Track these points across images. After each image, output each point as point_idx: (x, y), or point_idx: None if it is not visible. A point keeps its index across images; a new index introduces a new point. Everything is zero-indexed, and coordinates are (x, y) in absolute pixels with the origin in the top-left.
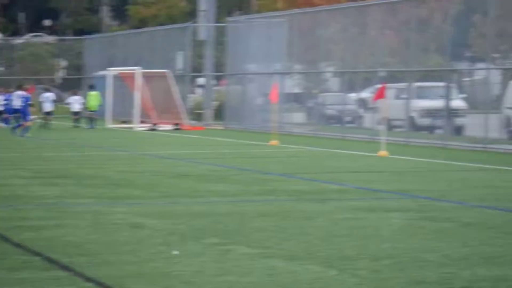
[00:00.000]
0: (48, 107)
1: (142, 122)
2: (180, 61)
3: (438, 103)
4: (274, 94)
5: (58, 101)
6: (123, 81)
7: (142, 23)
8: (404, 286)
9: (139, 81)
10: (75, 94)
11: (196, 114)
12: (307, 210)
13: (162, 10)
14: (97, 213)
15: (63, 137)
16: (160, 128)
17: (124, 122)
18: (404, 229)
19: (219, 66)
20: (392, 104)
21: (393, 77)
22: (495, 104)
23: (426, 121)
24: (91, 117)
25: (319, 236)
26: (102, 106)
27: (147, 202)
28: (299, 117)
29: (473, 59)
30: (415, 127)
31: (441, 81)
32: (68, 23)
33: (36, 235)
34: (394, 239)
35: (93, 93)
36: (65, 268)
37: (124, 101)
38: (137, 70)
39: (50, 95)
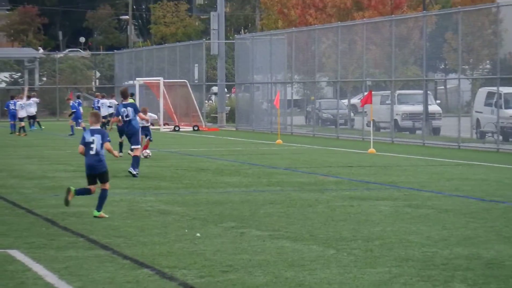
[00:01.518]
0: (104, 111)
1: (165, 124)
2: (196, 72)
3: (417, 108)
4: (277, 100)
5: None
6: (149, 89)
7: (162, 39)
8: (392, 263)
9: (162, 89)
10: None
11: (212, 117)
12: (309, 199)
13: (179, 28)
14: (131, 201)
15: None
16: (182, 129)
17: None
18: (392, 215)
19: (229, 77)
20: (378, 109)
21: (378, 86)
22: (466, 108)
23: (407, 123)
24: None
25: (320, 221)
26: None
27: (172, 192)
28: (299, 120)
29: (446, 70)
30: (399, 128)
31: (419, 89)
32: (100, 40)
33: (79, 220)
34: (384, 223)
35: (131, 100)
36: (105, 247)
37: (150, 106)
38: (160, 80)
39: (105, 101)
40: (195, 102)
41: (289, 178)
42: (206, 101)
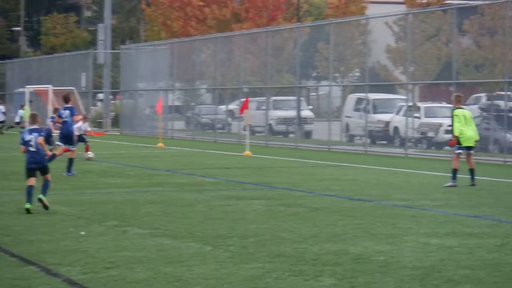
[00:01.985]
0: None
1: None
2: (84, 80)
3: (290, 113)
4: (159, 106)
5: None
6: (39, 96)
7: (52, 49)
8: (266, 259)
9: (51, 96)
10: None
11: (98, 122)
12: (188, 199)
13: (68, 39)
14: (20, 201)
15: None
16: None
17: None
18: (266, 213)
19: (115, 84)
20: (254, 114)
21: (254, 93)
22: (336, 113)
23: (281, 128)
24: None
25: (198, 219)
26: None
27: (59, 193)
28: (179, 124)
29: (318, 78)
30: (273, 132)
31: (292, 95)
32: None
33: None
34: (258, 221)
35: (27, 107)
36: None
37: (40, 112)
38: (49, 88)
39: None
40: (82, 108)
41: (170, 179)
42: (92, 107)
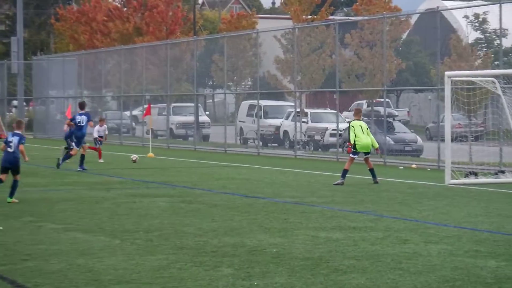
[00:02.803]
0: None
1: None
2: None
3: (189, 118)
4: (68, 112)
5: None
6: None
7: None
8: (169, 251)
9: None
10: None
11: (12, 127)
12: (97, 196)
13: None
14: None
15: None
16: None
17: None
18: (168, 210)
19: (28, 92)
20: (156, 119)
21: (156, 100)
22: (231, 118)
23: (181, 131)
24: None
25: (107, 215)
26: None
27: None
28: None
29: (214, 86)
30: (174, 136)
31: (191, 102)
32: None
33: None
34: (162, 217)
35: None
36: None
37: None
38: None
39: None
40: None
41: (80, 179)
42: (8, 113)
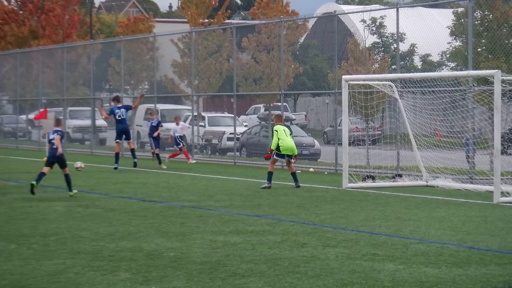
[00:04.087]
0: None
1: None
2: None
3: (86, 122)
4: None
5: None
6: None
7: None
8: (66, 256)
9: None
10: None
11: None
12: None
13: None
14: None
15: None
16: None
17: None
18: (65, 214)
19: None
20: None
21: (52, 103)
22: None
23: (78, 135)
24: None
25: (2, 220)
26: None
27: None
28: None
29: (111, 90)
30: (70, 140)
31: (88, 106)
32: None
33: None
34: (58, 221)
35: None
36: None
37: None
38: None
39: None
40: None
41: None
42: None
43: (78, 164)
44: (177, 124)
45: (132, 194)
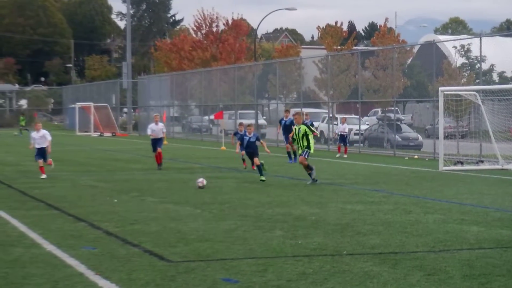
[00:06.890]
0: None
1: (94, 131)
2: (114, 99)
3: (252, 122)
4: (164, 116)
5: None
6: (84, 110)
7: (92, 79)
8: (235, 217)
9: (92, 110)
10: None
11: (123, 127)
12: (184, 178)
13: (103, 72)
14: (73, 180)
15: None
16: (105, 135)
17: (85, 131)
18: (236, 187)
19: (134, 102)
20: (227, 122)
21: (227, 107)
22: None
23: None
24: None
25: (191, 191)
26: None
27: (98, 174)
28: (178, 129)
29: (269, 98)
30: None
31: (252, 109)
32: (53, 79)
33: (40, 191)
34: (231, 193)
35: (22, 117)
36: (56, 209)
37: (84, 121)
38: (91, 104)
39: None
40: (113, 118)
41: (172, 165)
42: (120, 117)
43: (200, 181)
44: (343, 123)
45: (284, 174)
